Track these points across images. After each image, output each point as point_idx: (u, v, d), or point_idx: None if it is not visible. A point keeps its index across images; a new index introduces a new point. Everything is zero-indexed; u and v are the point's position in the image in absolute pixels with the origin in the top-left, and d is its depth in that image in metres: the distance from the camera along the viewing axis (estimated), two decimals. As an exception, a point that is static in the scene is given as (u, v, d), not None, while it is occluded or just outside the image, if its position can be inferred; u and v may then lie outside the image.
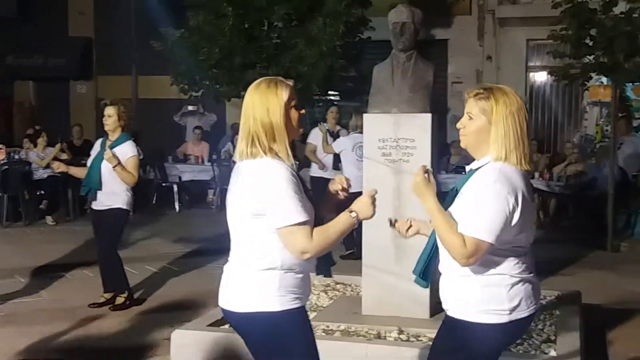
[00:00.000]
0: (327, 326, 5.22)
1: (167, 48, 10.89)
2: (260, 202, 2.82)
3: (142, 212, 12.40)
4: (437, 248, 2.99)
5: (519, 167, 2.84)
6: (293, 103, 2.94)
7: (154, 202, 13.12)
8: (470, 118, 2.91)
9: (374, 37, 10.77)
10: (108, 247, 6.58)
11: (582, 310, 5.80)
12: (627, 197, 10.75)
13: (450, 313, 2.96)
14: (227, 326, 5.26)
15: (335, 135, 9.62)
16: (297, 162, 3.19)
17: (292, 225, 2.79)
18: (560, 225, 11.08)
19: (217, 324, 5.22)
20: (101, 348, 5.55)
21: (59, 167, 6.85)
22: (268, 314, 2.85)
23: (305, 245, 2.80)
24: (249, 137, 2.90)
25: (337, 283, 6.55)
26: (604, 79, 11.13)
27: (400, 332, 5.12)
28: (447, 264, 2.94)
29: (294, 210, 2.78)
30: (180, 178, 12.92)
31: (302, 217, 2.79)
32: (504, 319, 2.83)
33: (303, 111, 3.00)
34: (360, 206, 2.90)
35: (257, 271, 2.88)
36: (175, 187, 12.90)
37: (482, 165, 2.89)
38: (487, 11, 14.33)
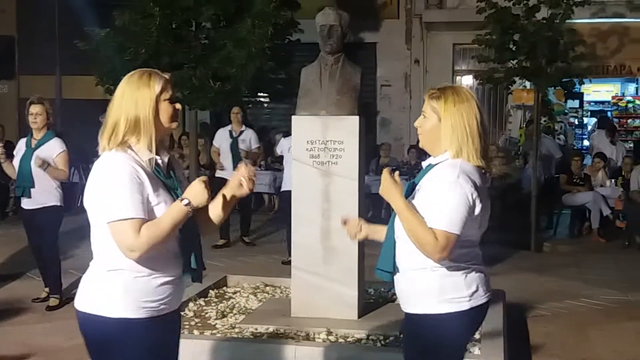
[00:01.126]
0: (256, 328, 5.19)
1: (92, 48, 10.65)
2: (94, 197, 2.73)
3: (68, 214, 12.11)
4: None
5: (471, 162, 2.94)
6: (167, 96, 2.82)
7: (79, 204, 12.82)
8: (425, 117, 3.03)
9: (302, 39, 10.78)
10: (51, 245, 6.67)
11: (506, 308, 5.93)
12: (550, 198, 11.08)
13: (411, 310, 3.01)
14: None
15: (237, 136, 9.93)
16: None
17: (117, 221, 2.65)
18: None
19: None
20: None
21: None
22: (102, 319, 2.71)
23: (131, 242, 2.65)
24: (111, 130, 2.80)
25: (267, 285, 6.53)
26: (527, 83, 11.42)
27: (329, 333, 5.14)
28: (403, 263, 2.99)
29: (121, 206, 2.64)
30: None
31: (129, 212, 2.64)
32: (464, 305, 2.93)
33: (178, 106, 2.87)
34: (193, 193, 2.76)
35: (104, 271, 2.76)
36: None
37: (441, 162, 2.98)
38: (414, 15, 14.51)
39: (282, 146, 9.43)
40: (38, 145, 6.49)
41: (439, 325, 2.93)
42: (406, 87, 14.66)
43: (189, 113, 11.72)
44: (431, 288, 2.93)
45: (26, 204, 6.58)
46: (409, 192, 3.05)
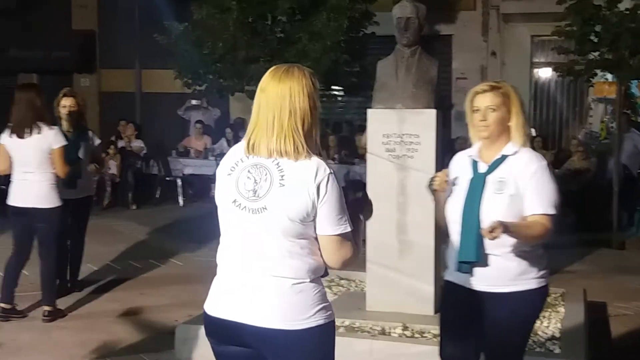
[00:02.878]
0: (331, 322, 5.20)
1: (171, 42, 10.86)
2: (328, 209, 2.51)
3: (146, 206, 12.42)
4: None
5: None
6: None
7: (157, 196, 13.12)
8: (494, 110, 3.24)
9: (378, 32, 10.74)
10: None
11: (587, 307, 5.79)
12: (631, 194, 10.73)
13: (510, 289, 3.21)
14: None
15: None
16: None
17: (346, 233, 2.54)
18: (565, 222, 11.06)
19: (220, 319, 5.21)
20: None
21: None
22: (325, 326, 2.58)
23: (347, 254, 2.57)
24: (285, 132, 2.52)
25: (342, 279, 6.54)
26: (609, 76, 11.09)
27: (405, 328, 5.11)
28: (494, 247, 3.16)
29: (347, 219, 2.54)
30: (183, 172, 12.91)
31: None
32: (542, 282, 3.28)
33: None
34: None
35: (309, 283, 2.56)
36: (179, 181, 12.89)
37: (517, 151, 3.23)
38: (491, 7, 14.28)
39: None
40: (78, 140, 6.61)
41: (535, 298, 3.27)
42: (482, 79, 14.41)
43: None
44: (516, 269, 3.20)
45: (71, 194, 6.45)
46: (480, 185, 3.21)
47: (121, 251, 8.64)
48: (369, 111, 5.65)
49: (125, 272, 7.71)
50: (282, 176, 2.51)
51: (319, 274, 2.59)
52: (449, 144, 12.55)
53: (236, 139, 13.46)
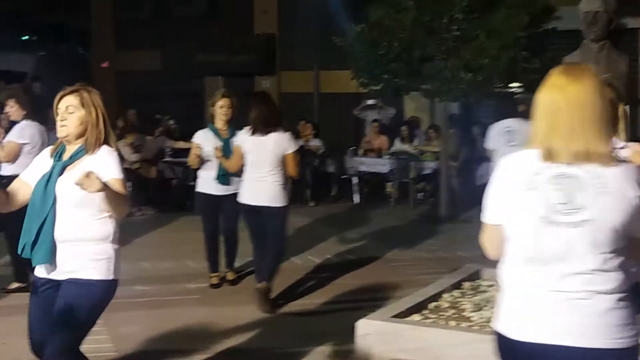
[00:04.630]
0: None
1: (347, 43, 11.08)
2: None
3: (322, 204, 12.75)
4: None
5: None
6: None
7: (333, 194, 13.44)
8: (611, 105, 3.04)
9: (559, 27, 10.39)
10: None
11: None
12: None
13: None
14: (410, 318, 5.34)
15: None
16: None
17: None
18: None
19: (400, 315, 5.29)
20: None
21: None
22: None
23: None
24: (589, 134, 2.36)
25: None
26: None
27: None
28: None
29: None
30: (358, 170, 13.13)
31: None
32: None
33: None
34: None
35: (626, 296, 2.40)
36: (354, 180, 13.12)
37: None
38: (683, -4, 13.37)
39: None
40: (230, 138, 6.88)
41: None
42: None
43: (438, 105, 11.82)
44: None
45: (224, 190, 6.89)
46: None
47: (301, 246, 8.90)
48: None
49: (305, 267, 7.97)
50: (599, 183, 2.32)
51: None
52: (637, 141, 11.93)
53: (411, 138, 13.53)
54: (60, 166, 3.47)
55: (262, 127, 6.22)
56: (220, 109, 6.96)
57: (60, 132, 3.48)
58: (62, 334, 3.44)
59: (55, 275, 3.52)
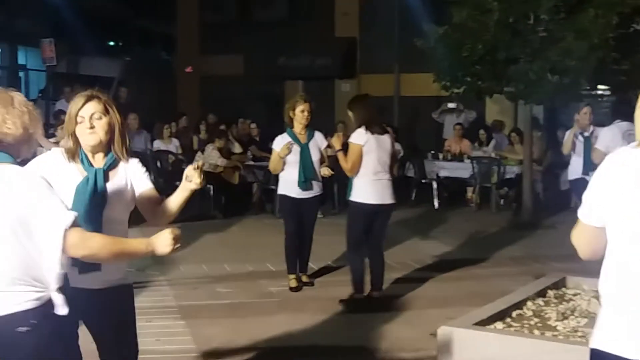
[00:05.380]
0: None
1: (429, 45, 10.96)
2: None
3: (401, 208, 12.62)
4: None
5: None
6: None
7: (412, 198, 13.28)
8: None
9: (651, 27, 10.05)
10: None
11: None
12: None
13: None
14: (492, 326, 5.22)
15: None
16: None
17: None
18: None
19: (482, 323, 5.16)
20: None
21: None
22: None
23: None
24: None
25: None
26: None
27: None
28: None
29: None
30: (438, 175, 12.97)
31: None
32: None
33: None
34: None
35: None
36: (434, 184, 12.95)
37: None
38: None
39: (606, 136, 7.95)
40: (309, 140, 7.01)
41: None
42: None
43: (522, 108, 11.55)
44: None
45: (306, 194, 7.03)
46: None
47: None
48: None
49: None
50: None
51: None
52: None
53: (488, 142, 13.29)
54: (102, 172, 3.36)
55: (379, 127, 6.48)
56: (302, 113, 7.03)
57: (91, 139, 3.33)
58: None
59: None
